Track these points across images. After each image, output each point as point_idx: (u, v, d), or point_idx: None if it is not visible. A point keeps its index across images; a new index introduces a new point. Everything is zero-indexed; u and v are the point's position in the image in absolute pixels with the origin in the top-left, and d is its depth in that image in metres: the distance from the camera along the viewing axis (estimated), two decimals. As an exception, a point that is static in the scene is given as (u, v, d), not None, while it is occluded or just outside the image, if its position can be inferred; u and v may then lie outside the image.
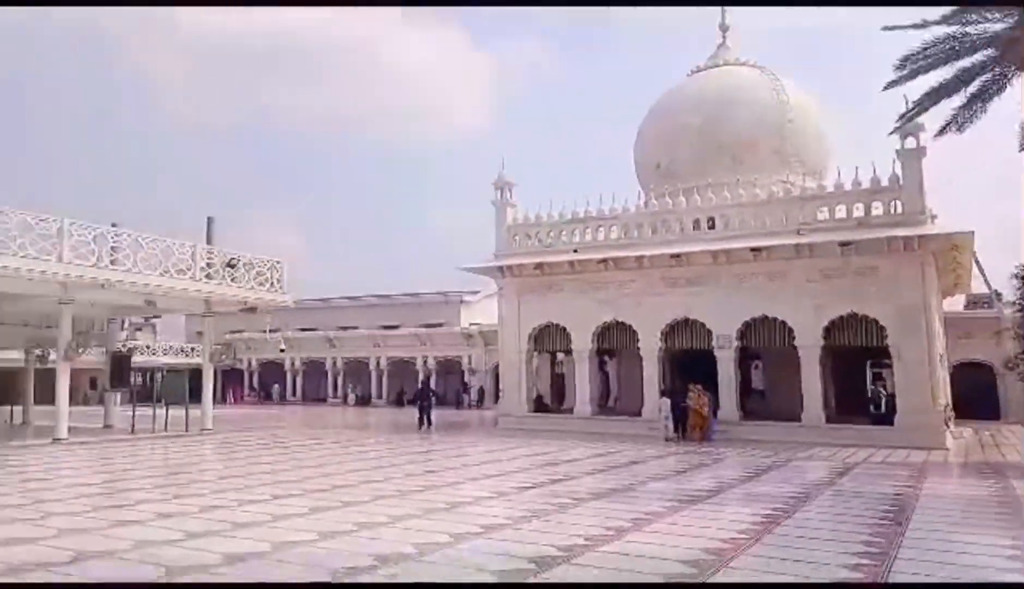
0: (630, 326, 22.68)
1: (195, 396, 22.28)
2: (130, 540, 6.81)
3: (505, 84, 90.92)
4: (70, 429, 18.23)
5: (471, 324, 42.97)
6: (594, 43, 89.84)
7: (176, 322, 50.40)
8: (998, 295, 28.03)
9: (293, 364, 46.99)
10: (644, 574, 5.85)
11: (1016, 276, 15.18)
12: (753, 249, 20.65)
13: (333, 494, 9.87)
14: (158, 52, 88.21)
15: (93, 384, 40.76)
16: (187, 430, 20.72)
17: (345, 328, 46.54)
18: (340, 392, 45.53)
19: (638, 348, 22.57)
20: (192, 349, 44.12)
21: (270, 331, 32.06)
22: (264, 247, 50.51)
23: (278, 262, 22.79)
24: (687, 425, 19.53)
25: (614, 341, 23.57)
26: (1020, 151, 16.85)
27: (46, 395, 21.10)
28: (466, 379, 42.60)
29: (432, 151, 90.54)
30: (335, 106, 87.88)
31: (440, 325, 44.19)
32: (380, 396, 44.25)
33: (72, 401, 18.99)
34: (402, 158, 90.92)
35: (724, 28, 28.73)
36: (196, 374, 23.62)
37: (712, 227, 22.22)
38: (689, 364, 22.72)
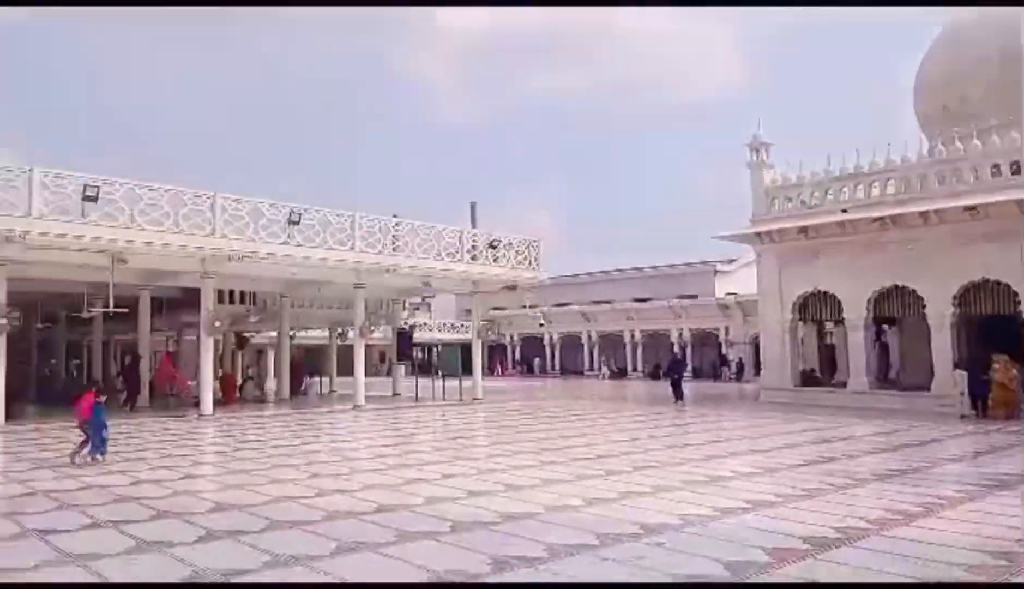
0: (913, 290, 20.29)
1: (467, 368, 24.28)
2: (420, 497, 7.64)
3: (752, 45, 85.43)
4: (366, 397, 20.85)
5: (727, 294, 41.44)
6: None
7: (447, 301, 55.09)
8: None
9: (551, 338, 49.03)
10: (937, 563, 5.26)
11: None
12: (1076, 193, 17.34)
13: (596, 463, 10.17)
14: (421, 56, 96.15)
15: (382, 358, 46.21)
16: (461, 399, 22.64)
17: (598, 302, 47.47)
18: (596, 365, 46.60)
19: (924, 315, 20.13)
20: (461, 325, 47.95)
21: (529, 307, 33.71)
22: (519, 227, 53.22)
23: (535, 241, 23.89)
24: (987, 402, 17.04)
25: (893, 308, 21.25)
26: None
27: (346, 367, 24.29)
28: (724, 351, 41.31)
29: (680, 118, 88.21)
30: (584, 86, 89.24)
31: (694, 296, 43.22)
32: (635, 368, 44.58)
33: (366, 373, 21.66)
34: (646, 129, 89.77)
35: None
36: (466, 348, 25.71)
37: (1016, 172, 19.01)
38: (988, 332, 19.73)
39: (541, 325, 43.39)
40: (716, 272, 44.09)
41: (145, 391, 20.57)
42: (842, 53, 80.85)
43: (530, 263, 23.62)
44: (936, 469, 9.90)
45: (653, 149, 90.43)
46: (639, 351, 44.78)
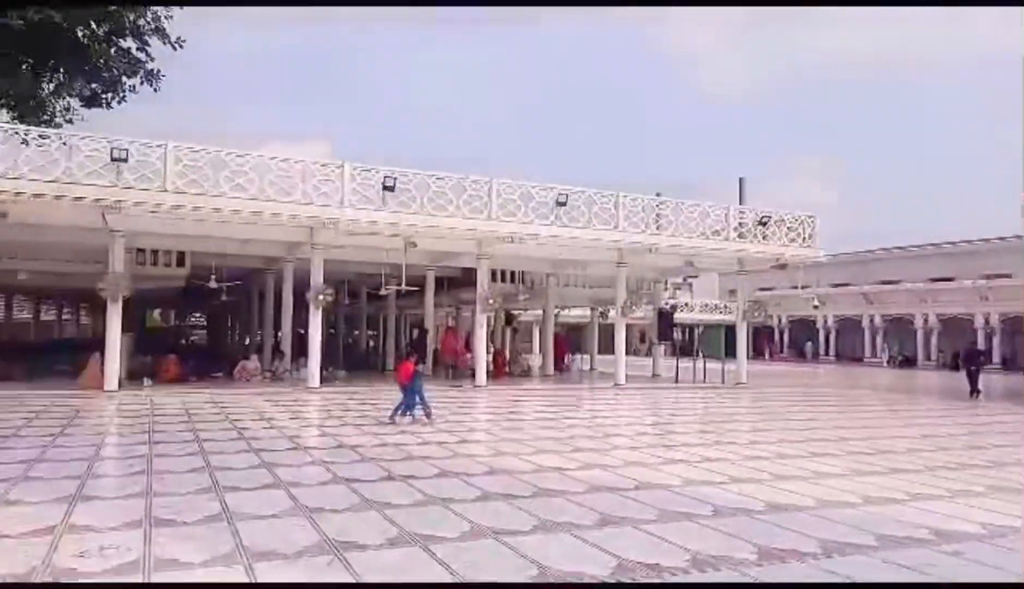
0: None
1: (730, 351, 23.38)
2: (679, 478, 7.56)
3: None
4: (626, 376, 21.05)
5: (1051, 274, 35.03)
6: None
7: (710, 281, 53.53)
8: None
9: (826, 322, 45.42)
10: None
11: None
12: None
13: (877, 458, 9.25)
14: (691, 30, 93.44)
15: (642, 338, 46.27)
16: (723, 383, 21.90)
17: (885, 282, 42.85)
18: (878, 352, 42.24)
19: None
20: (725, 306, 46.27)
21: (801, 287, 31.46)
22: (796, 202, 49.61)
23: (810, 217, 22.21)
24: None
25: None
26: None
27: (606, 346, 24.71)
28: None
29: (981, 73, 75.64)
30: (863, 54, 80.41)
31: (1007, 276, 37.11)
32: (928, 358, 39.59)
33: (626, 352, 21.84)
34: (929, 90, 78.29)
35: None
36: (730, 330, 24.77)
37: None
38: None
39: (816, 307, 40.32)
40: (1037, 248, 37.42)
41: (429, 361, 22.81)
42: None
43: (804, 240, 22.02)
44: None
45: (941, 116, 78.61)
46: (932, 338, 39.61)
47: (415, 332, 26.64)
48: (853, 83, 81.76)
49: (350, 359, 26.44)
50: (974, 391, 20.18)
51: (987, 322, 37.28)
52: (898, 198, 75.26)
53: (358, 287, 29.90)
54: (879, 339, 42.58)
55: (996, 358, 36.54)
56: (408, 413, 11.54)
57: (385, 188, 16.57)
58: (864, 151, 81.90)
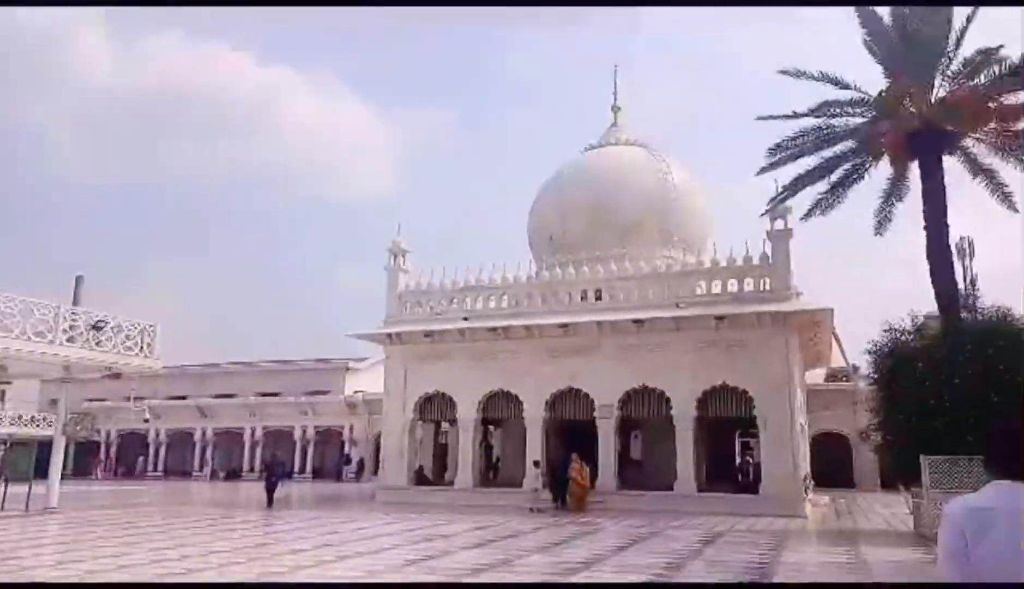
0: (516, 395, 22.61)
1: (45, 470, 20.22)
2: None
3: (405, 151, 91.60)
4: None
5: (355, 392, 41.62)
6: (495, 117, 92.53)
7: (31, 388, 46.20)
8: (855, 369, 30.05)
9: (157, 435, 43.73)
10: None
11: (869, 351, 16.27)
12: (636, 321, 21.25)
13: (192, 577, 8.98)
14: (47, 105, 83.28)
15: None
16: (27, 510, 18.60)
17: (220, 396, 44.03)
18: (210, 464, 42.54)
19: (523, 418, 22.48)
20: (44, 419, 40.30)
21: (135, 399, 29.77)
22: (145, 309, 47.42)
23: (151, 326, 21.32)
24: (565, 495, 19.53)
25: (500, 410, 23.40)
26: (875, 235, 18.44)
27: None
28: (346, 450, 40.88)
29: (329, 214, 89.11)
30: (228, 165, 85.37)
31: (325, 393, 42.57)
32: (252, 469, 41.66)
33: None
34: (297, 220, 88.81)
35: (615, 109, 30.25)
36: (47, 446, 21.49)
37: (599, 299, 22.77)
38: (570, 434, 22.83)
39: (146, 420, 38.64)
40: (347, 369, 44.15)
41: None
42: (484, 174, 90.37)
43: (142, 349, 20.96)
44: (522, 560, 10.75)
45: (300, 241, 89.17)
46: (258, 450, 41.91)
47: None
48: (206, 196, 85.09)
49: None
50: (270, 502, 20.09)
51: (305, 434, 41.67)
52: (243, 312, 79.98)
53: None
54: (208, 452, 43.08)
55: (309, 468, 40.90)
56: None
57: None
58: (218, 263, 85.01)
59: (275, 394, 43.24)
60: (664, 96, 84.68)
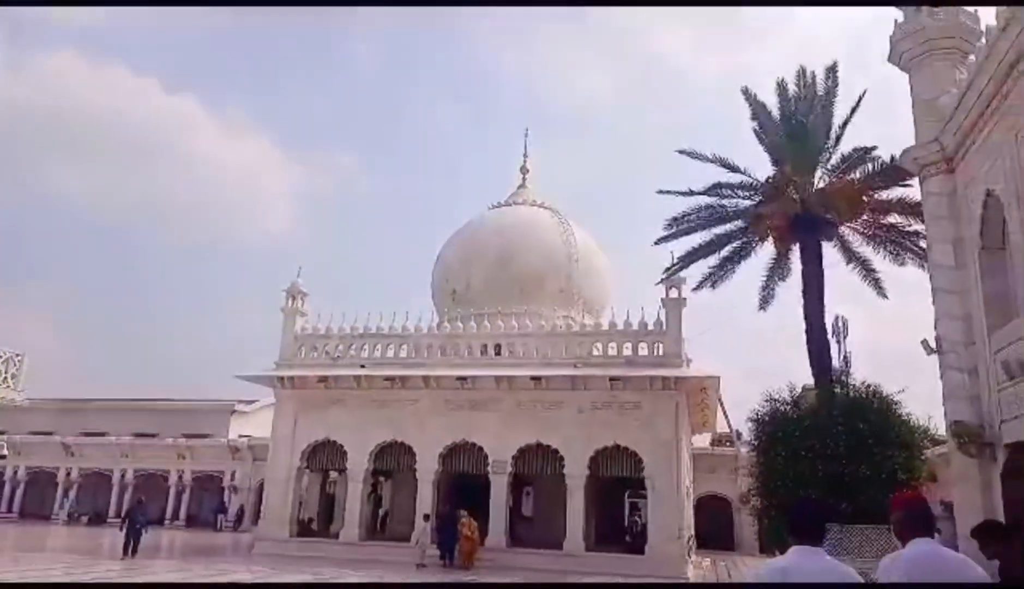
0: (410, 446, 22.26)
1: None
2: None
3: (309, 194, 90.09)
4: None
5: (240, 436, 39.70)
6: (403, 166, 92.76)
7: None
8: (738, 435, 31.42)
9: (16, 473, 40.13)
10: None
11: (750, 419, 17.10)
12: (533, 378, 21.50)
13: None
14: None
15: None
16: None
17: (90, 434, 40.97)
18: (65, 508, 39.19)
19: (415, 470, 22.11)
20: None
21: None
22: (11, 337, 43.67)
23: (17, 355, 19.98)
24: (454, 551, 19.25)
25: (392, 461, 22.93)
26: (759, 310, 19.62)
27: None
28: (225, 497, 38.70)
29: (225, 252, 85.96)
30: (119, 194, 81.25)
31: (207, 436, 40.35)
32: (118, 515, 38.70)
33: None
34: (192, 254, 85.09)
35: (524, 170, 31.10)
36: None
37: (498, 353, 22.93)
38: (463, 488, 22.63)
39: (3, 456, 35.40)
40: (234, 412, 42.15)
41: None
42: (389, 224, 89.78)
43: (5, 379, 19.47)
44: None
45: (192, 276, 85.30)
46: (127, 494, 38.91)
47: None
48: (92, 223, 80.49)
49: None
50: (131, 550, 18.35)
51: (181, 478, 39.21)
52: (124, 348, 75.26)
53: None
54: (72, 493, 39.82)
55: (183, 515, 38.41)
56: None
57: None
58: (100, 295, 79.95)
59: (152, 435, 40.63)
60: (571, 162, 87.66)
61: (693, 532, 23.11)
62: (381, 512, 26.59)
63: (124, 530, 18.89)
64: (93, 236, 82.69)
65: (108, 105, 79.07)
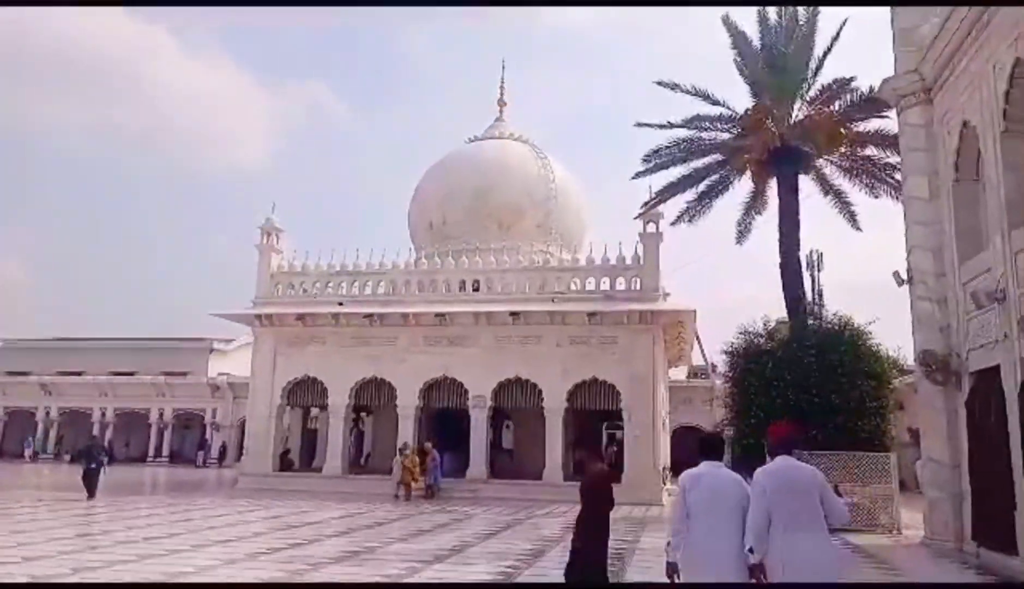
0: (389, 383, 22.42)
1: None
2: None
3: (283, 126, 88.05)
4: None
5: (220, 374, 39.75)
6: (381, 98, 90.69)
7: None
8: (713, 367, 32.00)
9: (-7, 414, 40.04)
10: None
11: (725, 351, 17.39)
12: (512, 313, 21.58)
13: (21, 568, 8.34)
14: None
15: None
16: None
17: (67, 373, 40.79)
18: (54, 447, 39.40)
19: (395, 405, 22.33)
20: None
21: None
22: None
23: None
24: (433, 484, 19.76)
25: (372, 398, 23.12)
26: (736, 244, 19.71)
27: None
28: (207, 434, 39.01)
29: (199, 183, 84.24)
30: (87, 124, 78.80)
31: (186, 374, 40.37)
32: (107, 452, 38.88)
33: None
34: (167, 189, 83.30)
35: (502, 103, 30.47)
36: None
37: (476, 289, 22.93)
38: (443, 423, 22.94)
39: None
40: (212, 350, 42.14)
41: None
42: (365, 158, 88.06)
43: (-26, 318, 19.12)
44: (387, 548, 10.75)
45: (166, 211, 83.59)
46: (108, 432, 39.05)
47: None
48: (58, 156, 78.23)
49: None
50: (90, 493, 17.07)
51: (162, 416, 39.33)
52: (98, 285, 74.23)
53: None
54: (53, 433, 39.89)
55: (166, 452, 38.70)
56: None
57: None
58: (70, 230, 78.26)
59: (130, 373, 40.54)
60: (550, 96, 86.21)
61: (668, 462, 23.69)
62: (366, 449, 26.97)
63: (82, 471, 17.56)
64: (65, 170, 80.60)
65: (70, 33, 75.98)
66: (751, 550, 4.47)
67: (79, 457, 18.14)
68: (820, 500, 4.55)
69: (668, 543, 4.81)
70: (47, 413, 40.03)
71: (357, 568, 8.89)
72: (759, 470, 4.74)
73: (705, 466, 4.91)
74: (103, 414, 39.49)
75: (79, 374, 40.54)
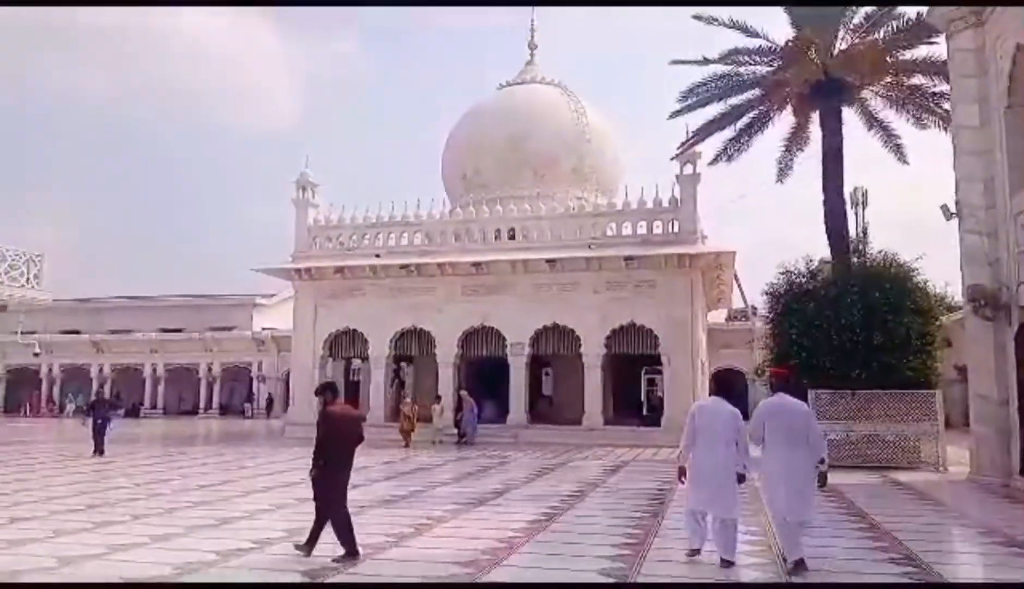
0: (428, 332, 22.68)
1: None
2: None
3: (314, 80, 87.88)
4: None
5: (264, 328, 40.68)
6: (409, 49, 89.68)
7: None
8: (753, 310, 31.60)
9: (50, 371, 41.59)
10: (414, 578, 5.75)
11: (766, 293, 17.10)
12: (548, 260, 21.53)
13: (86, 515, 8.76)
14: None
15: None
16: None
17: (117, 331, 42.08)
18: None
19: (435, 355, 22.61)
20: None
21: (22, 333, 28.13)
22: (26, 239, 44.19)
23: (37, 255, 20.22)
24: (471, 431, 20.21)
25: (412, 347, 23.45)
26: (776, 182, 19.21)
27: None
28: (254, 387, 40.13)
29: (233, 142, 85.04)
30: (125, 89, 79.69)
31: (231, 329, 41.38)
32: (155, 406, 40.40)
33: None
34: (201, 148, 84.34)
35: (532, 46, 29.89)
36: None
37: (512, 237, 22.89)
38: (482, 371, 23.18)
39: (36, 354, 36.59)
40: (255, 306, 43.00)
41: None
42: (398, 110, 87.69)
43: (29, 280, 19.77)
44: (432, 491, 11.02)
45: (198, 171, 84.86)
46: (160, 386, 40.53)
47: None
48: (99, 120, 79.71)
49: None
50: (97, 448, 16.11)
51: (210, 371, 40.54)
52: (142, 245, 76.12)
53: None
54: (108, 388, 41.32)
55: (215, 405, 39.97)
56: None
57: None
58: (108, 195, 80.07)
59: (178, 330, 41.70)
60: (581, 37, 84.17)
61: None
62: (405, 395, 27.45)
63: (92, 427, 16.50)
64: (101, 134, 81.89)
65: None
66: (744, 466, 6.18)
67: (86, 412, 17.56)
68: (807, 429, 6.01)
69: (679, 454, 6.45)
70: (100, 370, 41.46)
71: (402, 511, 9.12)
72: (761, 401, 6.42)
73: (712, 400, 6.69)
74: (154, 369, 40.83)
75: (127, 332, 41.80)
